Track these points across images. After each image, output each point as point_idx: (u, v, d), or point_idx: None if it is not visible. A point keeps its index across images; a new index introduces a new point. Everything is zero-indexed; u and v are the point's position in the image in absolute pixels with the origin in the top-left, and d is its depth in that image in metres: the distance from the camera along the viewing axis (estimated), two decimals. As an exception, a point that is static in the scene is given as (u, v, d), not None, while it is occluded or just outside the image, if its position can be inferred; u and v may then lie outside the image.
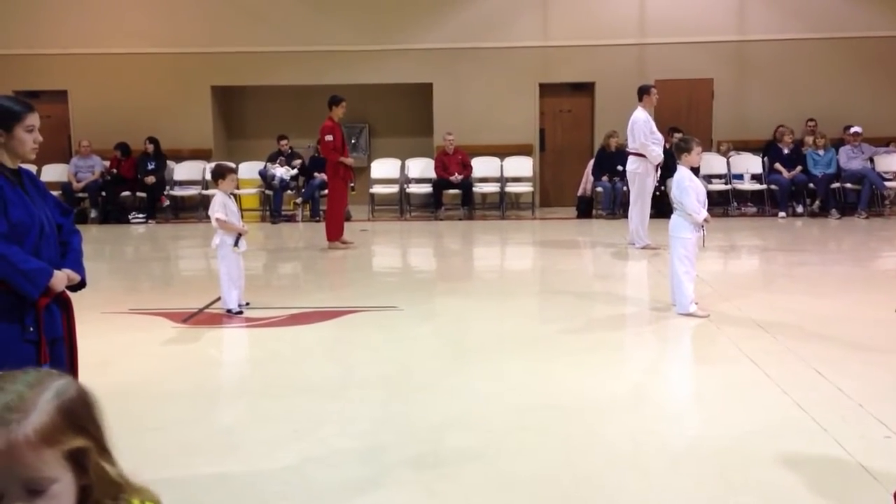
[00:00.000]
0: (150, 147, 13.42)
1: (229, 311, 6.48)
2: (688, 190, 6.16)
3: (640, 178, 9.68)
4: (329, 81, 13.90)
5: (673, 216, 6.36)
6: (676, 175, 6.31)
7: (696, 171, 6.71)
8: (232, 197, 6.69)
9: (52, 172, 13.85)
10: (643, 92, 9.92)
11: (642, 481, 3.40)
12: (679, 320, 6.14)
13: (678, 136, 12.72)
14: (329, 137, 9.80)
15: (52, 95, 14.40)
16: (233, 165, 7.13)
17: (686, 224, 6.21)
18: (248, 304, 6.64)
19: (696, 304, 6.19)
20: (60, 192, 13.45)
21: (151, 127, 13.66)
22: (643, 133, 9.60)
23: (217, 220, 6.43)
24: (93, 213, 13.41)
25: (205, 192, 13.46)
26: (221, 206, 6.44)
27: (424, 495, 3.31)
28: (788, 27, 13.66)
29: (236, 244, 6.46)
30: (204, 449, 3.81)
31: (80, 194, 13.42)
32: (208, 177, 13.10)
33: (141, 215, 13.26)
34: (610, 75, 13.67)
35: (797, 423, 3.97)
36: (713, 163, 13.15)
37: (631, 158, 9.82)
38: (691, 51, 13.75)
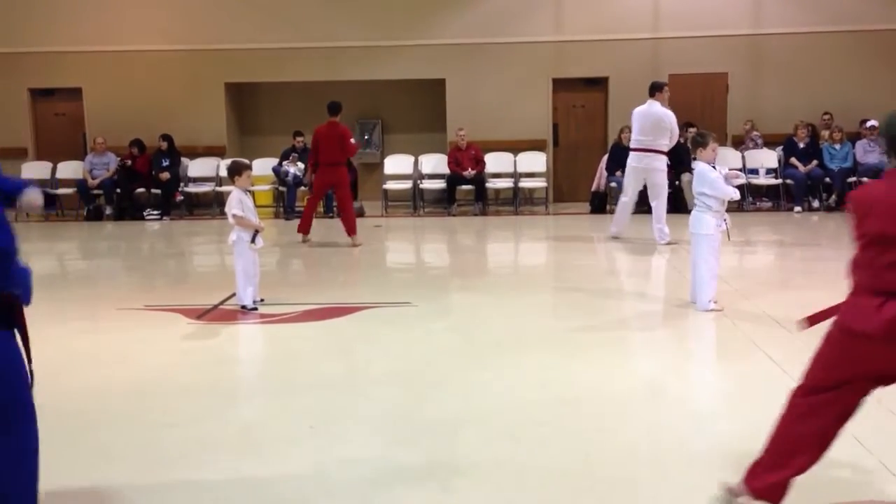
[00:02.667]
0: (164, 144, 13.47)
1: (244, 307, 6.50)
2: (715, 181, 6.09)
3: (662, 174, 9.63)
4: (342, 77, 13.94)
5: (694, 212, 6.25)
6: (698, 169, 6.26)
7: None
8: (248, 193, 6.69)
9: (68, 169, 13.94)
10: (658, 88, 9.73)
11: (659, 478, 3.38)
12: (696, 317, 6.10)
13: (692, 130, 12.72)
14: (353, 140, 10.42)
15: (67, 93, 14.49)
16: (248, 162, 7.11)
17: (709, 220, 6.13)
18: (262, 300, 6.65)
19: (715, 302, 6.17)
20: (76, 188, 13.55)
21: (165, 124, 13.72)
22: (675, 126, 9.56)
23: (234, 216, 6.44)
24: (108, 210, 13.47)
25: (219, 188, 13.51)
26: (238, 202, 6.45)
27: (440, 491, 3.30)
28: (803, 20, 13.56)
29: (253, 241, 6.48)
30: (219, 445, 3.81)
31: (96, 191, 13.49)
32: (222, 173, 13.16)
33: (155, 212, 13.32)
34: (624, 70, 13.61)
35: (815, 419, 3.94)
36: (728, 157, 13.06)
37: (654, 155, 9.61)
38: (706, 45, 13.67)
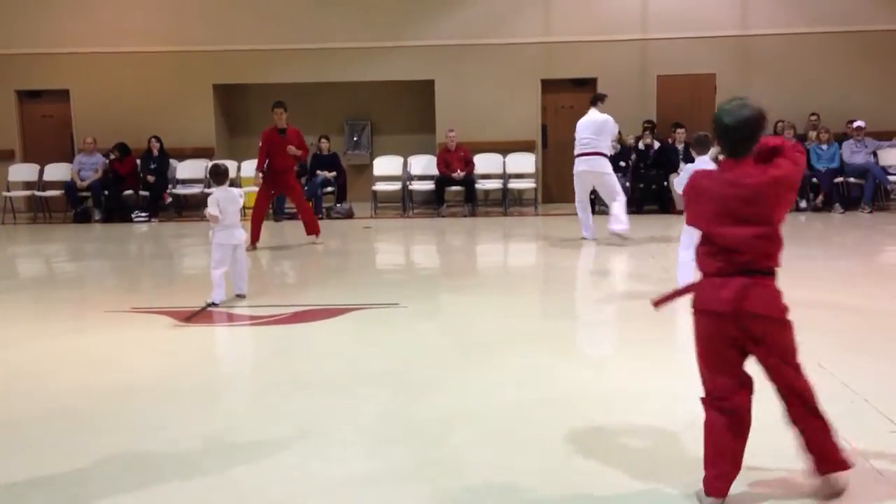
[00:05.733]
0: (157, 145, 13.45)
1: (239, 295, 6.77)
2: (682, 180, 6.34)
3: (610, 175, 9.83)
4: (331, 79, 13.95)
5: None
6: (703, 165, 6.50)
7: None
8: None
9: (56, 172, 13.88)
10: (603, 99, 10.03)
11: (647, 475, 3.39)
12: (683, 315, 6.12)
13: (680, 131, 12.79)
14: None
15: (55, 95, 14.44)
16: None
17: None
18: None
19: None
20: (63, 190, 13.49)
21: (154, 125, 13.69)
22: (613, 133, 9.99)
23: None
24: (97, 215, 13.39)
25: (207, 190, 13.46)
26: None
27: (430, 491, 3.30)
28: (791, 21, 13.64)
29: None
30: (208, 447, 3.80)
31: (84, 193, 13.44)
32: (212, 175, 13.17)
33: (144, 214, 13.27)
34: (612, 71, 13.66)
35: (802, 417, 3.96)
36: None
37: (603, 160, 9.81)
38: (694, 46, 13.73)
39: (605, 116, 9.83)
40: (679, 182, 6.49)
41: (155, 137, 13.48)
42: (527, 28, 13.95)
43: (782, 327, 2.97)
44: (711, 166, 6.35)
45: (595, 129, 9.73)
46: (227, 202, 6.72)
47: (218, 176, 6.95)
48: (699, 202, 3.05)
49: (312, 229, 10.17)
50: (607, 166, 9.84)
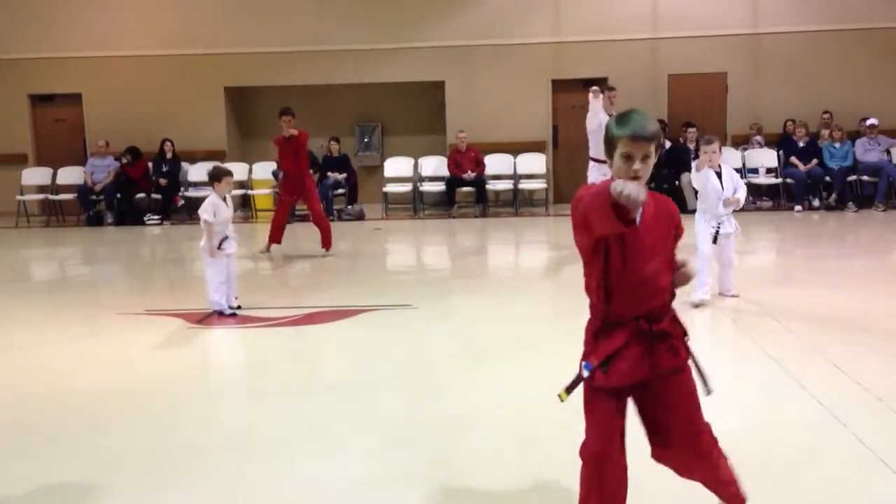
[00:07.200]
0: (170, 148, 13.53)
1: (219, 312, 6.42)
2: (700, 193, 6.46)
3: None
4: (341, 80, 13.97)
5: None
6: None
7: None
8: (226, 200, 6.50)
9: (69, 175, 13.96)
10: (602, 89, 9.32)
11: (660, 478, 3.38)
12: (694, 315, 6.11)
13: (692, 130, 12.76)
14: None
15: (67, 98, 14.52)
16: (228, 168, 6.89)
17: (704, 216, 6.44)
18: (239, 306, 6.54)
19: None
20: (76, 194, 13.57)
21: (165, 128, 13.75)
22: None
23: (204, 221, 6.33)
24: (109, 218, 13.44)
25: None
26: (211, 207, 6.33)
27: (441, 493, 3.30)
28: (802, 19, 13.57)
29: (220, 246, 6.39)
30: (221, 449, 3.82)
31: (96, 196, 13.51)
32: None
33: (156, 217, 13.33)
34: (623, 70, 13.61)
35: (815, 417, 3.94)
36: (728, 157, 13.07)
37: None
38: (705, 45, 13.68)
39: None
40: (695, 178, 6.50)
41: (168, 140, 13.55)
42: (537, 28, 13.93)
43: None
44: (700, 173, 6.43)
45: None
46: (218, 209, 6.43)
47: (211, 179, 6.63)
48: None
49: (326, 243, 9.55)
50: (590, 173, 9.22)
